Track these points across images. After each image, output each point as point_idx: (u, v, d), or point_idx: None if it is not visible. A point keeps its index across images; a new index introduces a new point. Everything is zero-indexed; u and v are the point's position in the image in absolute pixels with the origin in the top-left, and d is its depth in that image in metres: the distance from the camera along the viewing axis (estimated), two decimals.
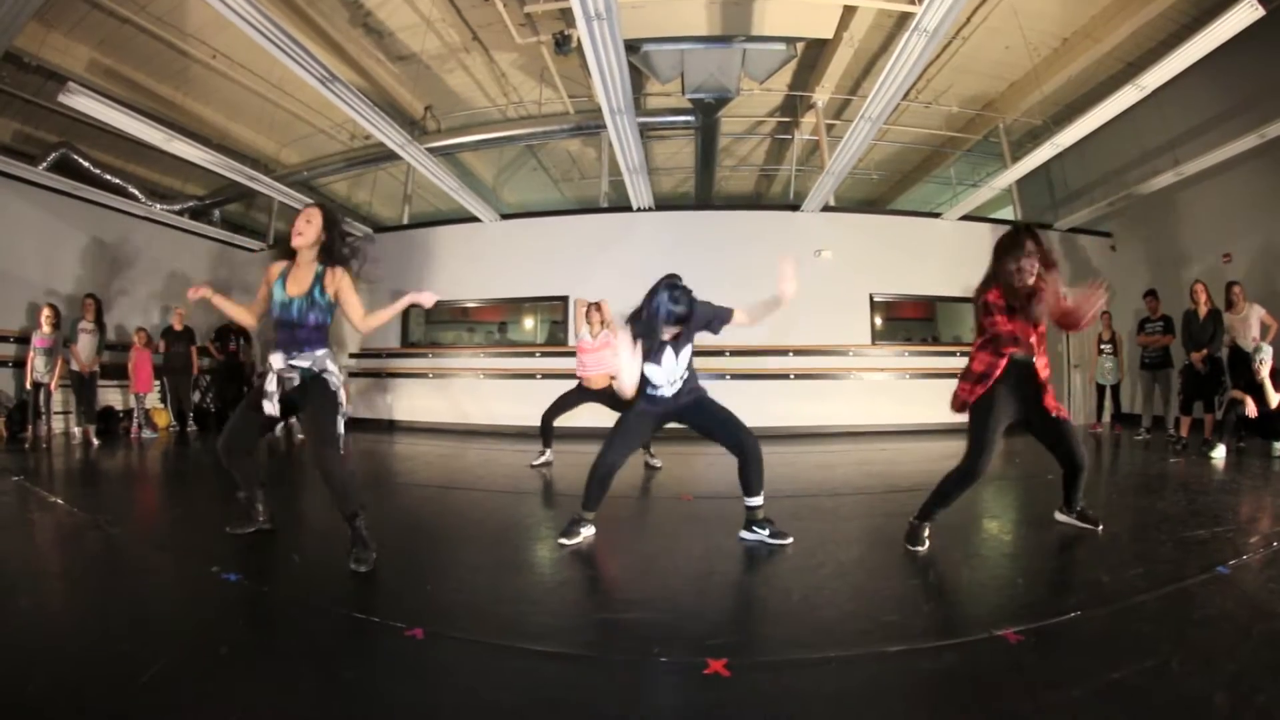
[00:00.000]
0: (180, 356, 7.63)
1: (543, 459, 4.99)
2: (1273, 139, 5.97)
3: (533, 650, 1.71)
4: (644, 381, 2.74)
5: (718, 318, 2.75)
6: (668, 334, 2.68)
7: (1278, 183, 6.51)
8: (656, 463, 4.90)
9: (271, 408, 2.53)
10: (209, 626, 1.85)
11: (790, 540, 2.68)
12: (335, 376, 2.57)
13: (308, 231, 2.56)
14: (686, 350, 2.76)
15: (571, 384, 5.00)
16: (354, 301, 2.59)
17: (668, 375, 2.74)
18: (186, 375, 7.70)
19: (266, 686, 1.53)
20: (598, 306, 4.85)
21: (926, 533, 2.63)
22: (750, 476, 2.75)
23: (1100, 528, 2.79)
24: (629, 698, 1.50)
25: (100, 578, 2.39)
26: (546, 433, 5.04)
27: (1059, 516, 2.96)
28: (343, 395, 2.59)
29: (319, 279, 2.56)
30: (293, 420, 2.55)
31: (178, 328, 7.71)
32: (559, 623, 1.95)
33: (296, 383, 2.55)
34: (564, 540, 2.75)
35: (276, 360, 2.53)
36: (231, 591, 2.16)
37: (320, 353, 2.57)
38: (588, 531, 2.83)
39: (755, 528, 2.78)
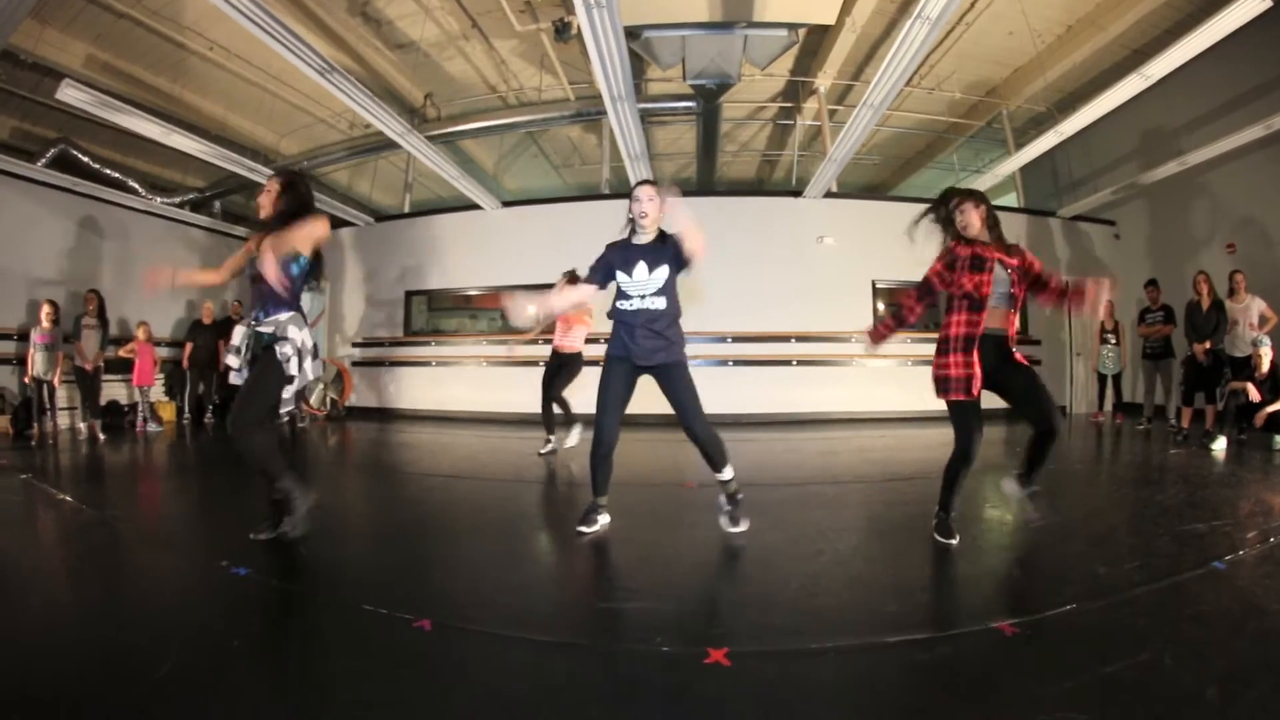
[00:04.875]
0: (206, 350, 7.64)
1: (549, 447, 5.05)
2: (1279, 130, 5.92)
3: (537, 640, 1.74)
4: (617, 294, 2.81)
5: (678, 244, 2.69)
6: (640, 234, 2.78)
7: None
8: (548, 449, 5.02)
9: (237, 376, 2.61)
10: (220, 621, 1.88)
11: (741, 529, 2.73)
12: (289, 345, 2.55)
13: (265, 202, 2.66)
14: (661, 271, 2.73)
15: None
16: (292, 238, 2.49)
17: (639, 287, 2.74)
18: (212, 369, 7.68)
19: (278, 679, 1.56)
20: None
21: (953, 523, 2.59)
22: (709, 459, 2.80)
23: (1039, 523, 2.65)
24: (631, 686, 1.52)
25: (109, 573, 2.41)
26: (560, 415, 5.25)
27: (1006, 487, 2.73)
28: (293, 366, 2.56)
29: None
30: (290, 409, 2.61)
31: (206, 321, 7.77)
32: (562, 613, 1.98)
33: (249, 356, 2.60)
34: (582, 529, 2.74)
35: (237, 333, 2.63)
36: (241, 586, 2.19)
37: (284, 316, 2.57)
38: (603, 519, 2.83)
39: (725, 502, 2.85)
